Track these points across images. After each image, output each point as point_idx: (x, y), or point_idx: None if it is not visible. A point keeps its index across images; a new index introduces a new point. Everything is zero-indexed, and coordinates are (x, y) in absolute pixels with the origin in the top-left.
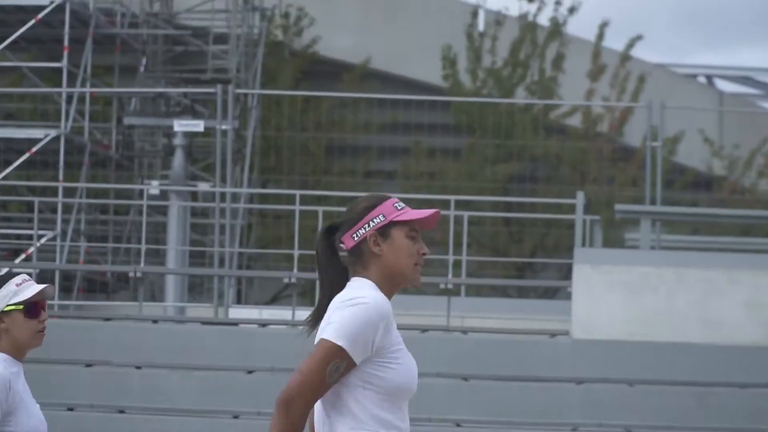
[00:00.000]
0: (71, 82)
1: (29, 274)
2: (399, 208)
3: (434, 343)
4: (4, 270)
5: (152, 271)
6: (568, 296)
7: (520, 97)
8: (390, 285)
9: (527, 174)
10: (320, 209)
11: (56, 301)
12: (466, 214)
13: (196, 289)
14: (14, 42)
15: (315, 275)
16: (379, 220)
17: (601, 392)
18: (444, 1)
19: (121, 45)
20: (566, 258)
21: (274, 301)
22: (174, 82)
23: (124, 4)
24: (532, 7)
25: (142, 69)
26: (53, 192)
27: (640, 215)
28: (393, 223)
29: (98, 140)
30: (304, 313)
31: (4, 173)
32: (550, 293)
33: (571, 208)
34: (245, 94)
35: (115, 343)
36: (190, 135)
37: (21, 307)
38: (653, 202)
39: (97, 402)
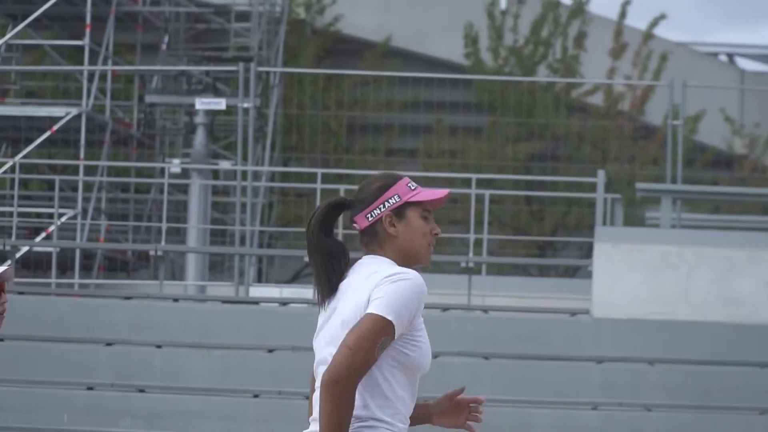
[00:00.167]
0: (93, 60)
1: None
2: (412, 188)
3: (455, 322)
4: (26, 249)
5: (173, 249)
6: (588, 275)
7: (542, 76)
8: (404, 264)
9: (548, 152)
10: (342, 187)
11: (77, 280)
12: (487, 192)
13: (217, 268)
14: (36, 20)
15: None
16: (394, 201)
17: (621, 371)
18: None
19: (143, 23)
20: (587, 236)
21: (294, 279)
22: (196, 60)
23: None
24: None
25: (164, 47)
26: (74, 170)
27: (661, 194)
28: (407, 204)
29: (120, 118)
30: None
31: (25, 151)
32: (571, 272)
33: (592, 187)
34: (267, 72)
35: (135, 322)
36: (211, 113)
37: None
38: (674, 181)
39: (118, 381)
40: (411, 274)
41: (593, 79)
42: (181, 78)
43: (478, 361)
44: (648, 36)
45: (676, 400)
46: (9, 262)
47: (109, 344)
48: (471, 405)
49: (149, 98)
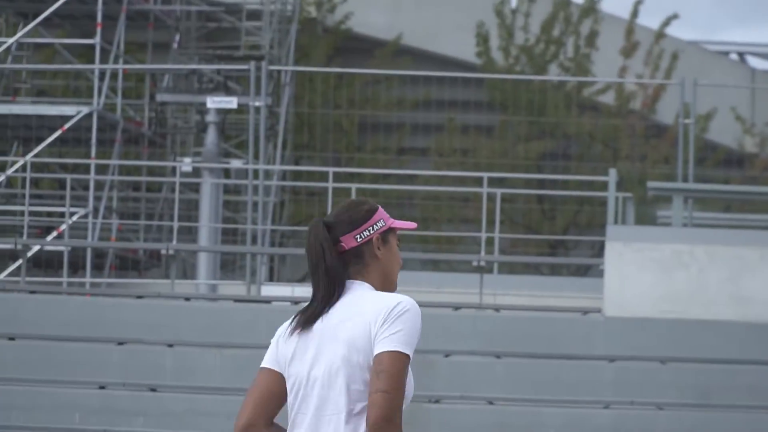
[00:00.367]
0: (104, 59)
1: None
2: (388, 216)
3: (467, 321)
4: (37, 248)
5: (184, 248)
6: (600, 273)
7: (553, 74)
8: (381, 289)
9: (560, 151)
10: (353, 186)
11: (88, 279)
12: (499, 191)
13: (229, 267)
14: (47, 18)
15: None
16: (381, 224)
17: (632, 370)
18: None
19: (154, 21)
20: (598, 235)
21: (306, 278)
22: (207, 59)
23: None
24: None
25: (175, 45)
26: (85, 169)
27: (673, 192)
28: (389, 229)
29: (131, 117)
30: None
31: (36, 150)
32: (583, 270)
33: (604, 186)
34: (278, 71)
35: (147, 321)
36: (223, 112)
37: None
38: (685, 180)
39: (129, 380)
40: (409, 301)
41: (605, 78)
42: (193, 77)
43: (489, 359)
44: (660, 35)
45: (687, 399)
46: None
47: (120, 343)
48: None
49: (160, 97)
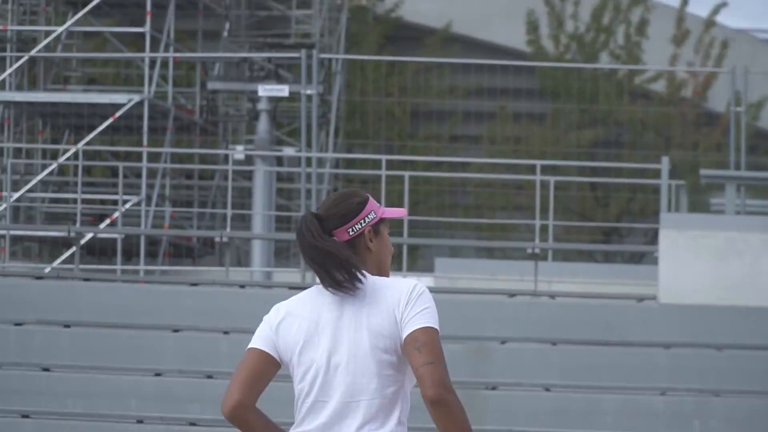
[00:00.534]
0: (154, 47)
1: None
2: (379, 205)
3: (522, 308)
4: (90, 235)
5: (238, 236)
6: (654, 261)
7: (604, 63)
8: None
9: (612, 139)
10: (406, 174)
11: (142, 266)
12: (552, 179)
13: (283, 254)
14: (97, 7)
15: (400, 239)
16: (372, 216)
17: (688, 357)
18: None
19: (203, 9)
20: (652, 223)
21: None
22: (257, 47)
23: None
24: None
25: (225, 34)
26: (137, 157)
27: (725, 180)
28: (381, 220)
29: (182, 105)
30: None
31: (88, 138)
32: (637, 258)
33: (656, 173)
34: (329, 59)
35: (202, 309)
36: (274, 100)
37: None
38: (737, 167)
39: (185, 367)
40: (420, 283)
41: (655, 66)
42: (243, 65)
43: (545, 347)
44: (709, 23)
45: (744, 386)
46: None
47: (175, 330)
48: None
49: (212, 85)
